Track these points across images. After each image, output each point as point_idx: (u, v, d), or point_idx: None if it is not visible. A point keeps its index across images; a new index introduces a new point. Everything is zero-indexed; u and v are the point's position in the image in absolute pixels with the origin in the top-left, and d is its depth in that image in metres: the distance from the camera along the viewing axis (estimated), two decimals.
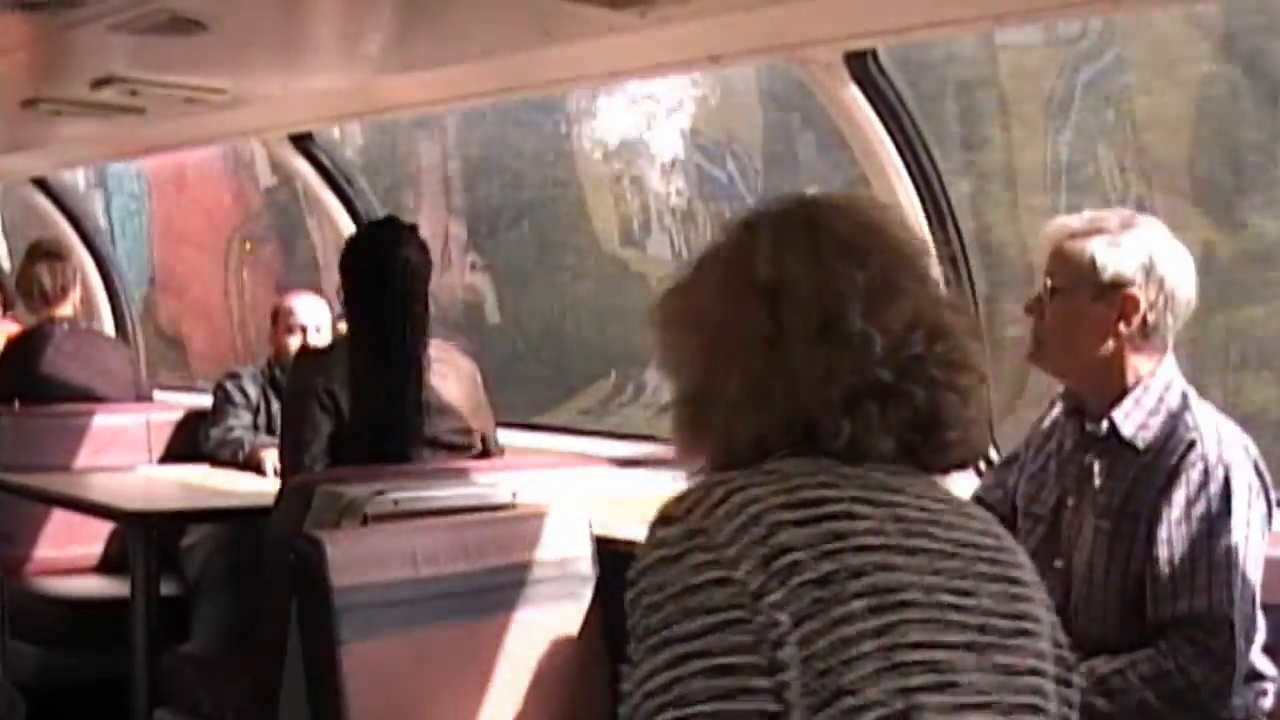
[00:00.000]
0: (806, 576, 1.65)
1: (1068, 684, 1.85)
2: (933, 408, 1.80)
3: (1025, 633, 1.78)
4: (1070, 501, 3.33)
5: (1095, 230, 3.27)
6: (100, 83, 5.13)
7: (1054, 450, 3.42)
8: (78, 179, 8.33)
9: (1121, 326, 3.24)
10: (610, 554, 4.06)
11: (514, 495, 4.07)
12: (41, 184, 7.96)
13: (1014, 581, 1.81)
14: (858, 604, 1.65)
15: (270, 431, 5.61)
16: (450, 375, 4.53)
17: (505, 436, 5.19)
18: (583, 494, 4.21)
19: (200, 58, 4.67)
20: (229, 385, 5.90)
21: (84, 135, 6.43)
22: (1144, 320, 3.23)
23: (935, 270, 1.93)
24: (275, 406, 5.73)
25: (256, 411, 5.79)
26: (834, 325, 1.79)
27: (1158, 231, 3.28)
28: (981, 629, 1.73)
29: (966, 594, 1.74)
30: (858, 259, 1.83)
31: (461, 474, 4.21)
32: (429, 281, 4.51)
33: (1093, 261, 3.23)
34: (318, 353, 4.81)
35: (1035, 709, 1.76)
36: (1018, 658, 1.76)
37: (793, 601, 1.64)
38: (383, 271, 4.38)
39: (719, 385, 1.84)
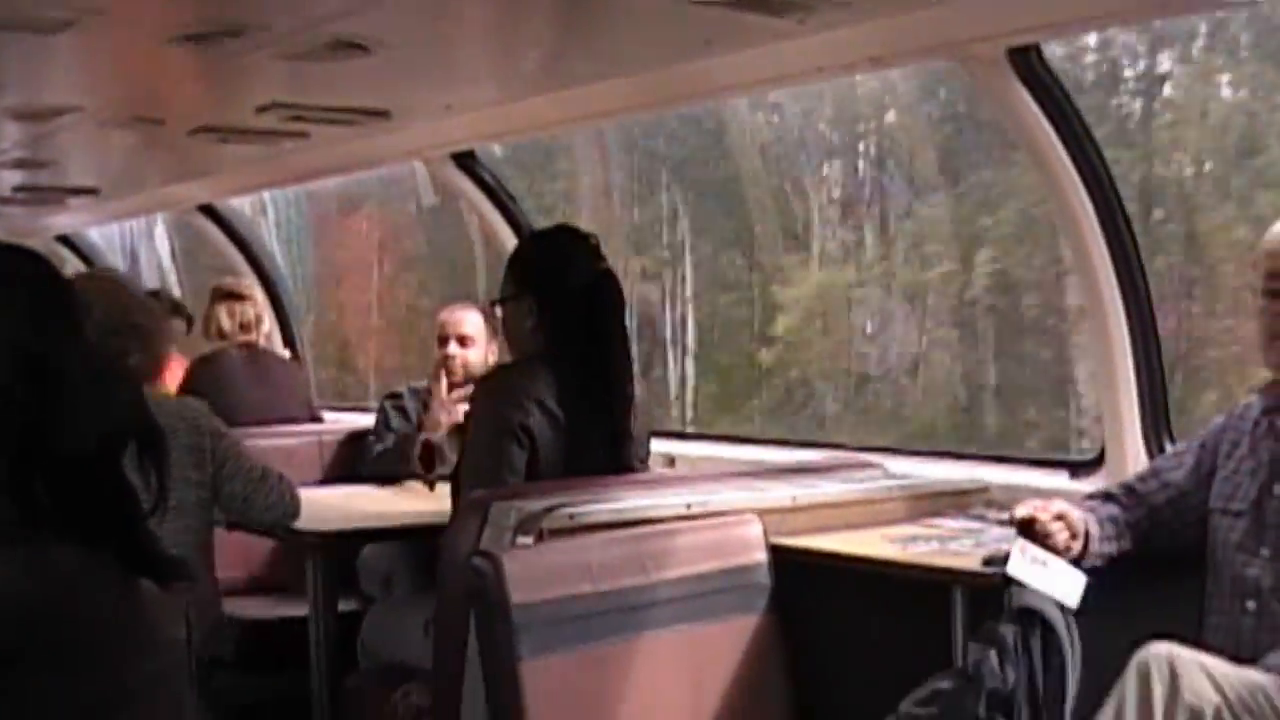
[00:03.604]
0: None
1: None
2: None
3: None
4: (1277, 490, 3.47)
5: None
6: (264, 109, 5.21)
7: (1247, 450, 3.56)
8: (244, 204, 8.45)
9: None
10: (787, 562, 4.04)
11: (689, 506, 4.04)
12: (209, 210, 8.11)
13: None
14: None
15: None
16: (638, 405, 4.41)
17: (678, 447, 5.16)
18: (757, 502, 4.17)
19: (361, 80, 4.72)
20: (388, 406, 5.98)
21: (249, 161, 6.54)
22: None
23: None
24: None
25: (417, 429, 5.80)
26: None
27: None
28: None
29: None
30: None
31: (636, 486, 4.19)
32: None
33: None
34: (503, 378, 4.43)
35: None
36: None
37: None
38: (592, 291, 4.24)
39: None
